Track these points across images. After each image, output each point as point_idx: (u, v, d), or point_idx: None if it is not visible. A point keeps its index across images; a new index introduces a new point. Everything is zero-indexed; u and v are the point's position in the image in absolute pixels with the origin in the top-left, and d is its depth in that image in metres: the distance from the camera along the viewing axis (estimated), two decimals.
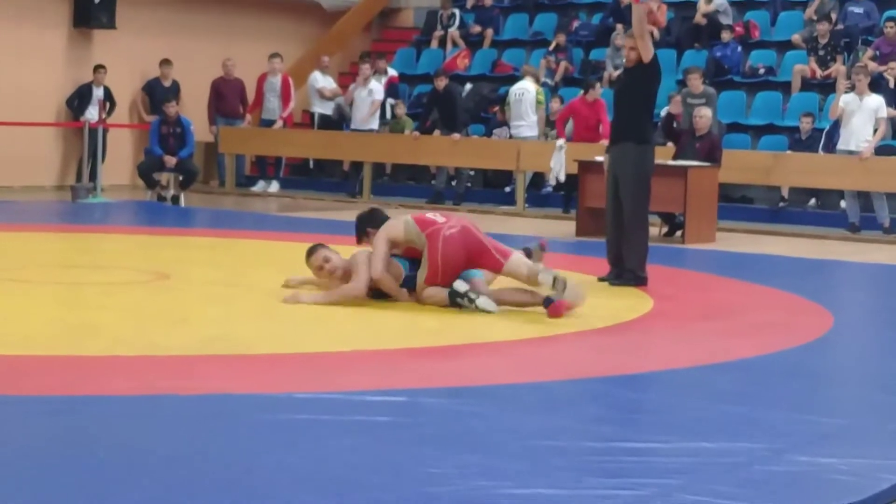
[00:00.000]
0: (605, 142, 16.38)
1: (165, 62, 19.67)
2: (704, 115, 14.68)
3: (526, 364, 6.96)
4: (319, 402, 5.72)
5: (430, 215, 8.72)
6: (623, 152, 10.02)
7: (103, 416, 5.40)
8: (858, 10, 19.00)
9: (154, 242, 12.45)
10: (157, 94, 19.42)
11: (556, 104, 18.22)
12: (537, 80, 18.51)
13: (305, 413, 5.51)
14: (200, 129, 18.92)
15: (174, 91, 19.17)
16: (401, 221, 8.65)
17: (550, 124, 18.00)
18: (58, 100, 19.13)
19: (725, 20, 19.52)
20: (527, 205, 17.47)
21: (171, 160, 16.74)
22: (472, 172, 18.88)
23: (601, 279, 10.15)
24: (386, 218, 8.83)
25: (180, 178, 17.01)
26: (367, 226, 8.85)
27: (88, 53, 19.51)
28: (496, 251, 8.55)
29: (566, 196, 16.85)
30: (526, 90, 17.96)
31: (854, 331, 8.82)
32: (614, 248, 10.14)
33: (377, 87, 19.17)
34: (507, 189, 18.41)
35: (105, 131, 18.22)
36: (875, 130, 15.46)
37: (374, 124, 19.13)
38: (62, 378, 6.13)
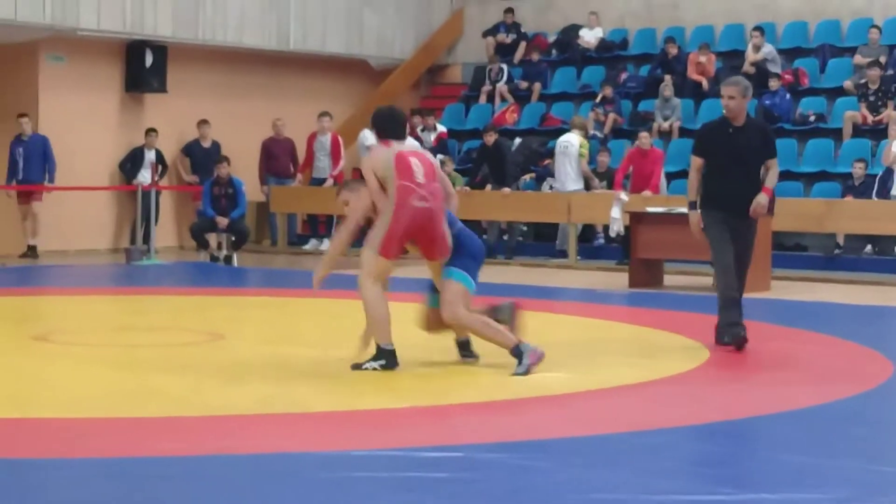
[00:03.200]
0: (649, 192, 16.43)
1: (203, 122, 19.78)
2: None
3: (584, 417, 6.90)
4: (376, 459, 5.70)
5: (413, 162, 8.28)
6: (753, 225, 9.56)
7: (161, 477, 5.40)
8: None
9: (208, 303, 12.49)
10: (197, 154, 19.59)
11: (604, 157, 18.19)
12: (585, 133, 18.49)
13: (362, 470, 5.49)
14: (251, 188, 19.03)
15: (214, 152, 19.25)
16: (385, 153, 8.30)
17: (600, 176, 17.97)
18: (111, 163, 19.31)
19: (774, 68, 19.48)
20: (579, 257, 17.41)
21: (223, 221, 16.83)
22: (524, 227, 18.86)
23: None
24: (401, 119, 8.54)
25: (232, 238, 17.10)
26: (385, 132, 8.46)
27: (140, 117, 19.70)
28: (445, 245, 8.28)
29: (623, 247, 16.69)
30: (570, 143, 17.97)
31: None
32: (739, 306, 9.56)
33: (413, 144, 18.97)
34: (559, 242, 18.37)
35: (158, 194, 18.36)
36: None
37: None
38: (120, 440, 6.14)
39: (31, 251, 17.93)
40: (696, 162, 9.54)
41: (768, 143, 9.60)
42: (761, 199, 9.36)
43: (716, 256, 9.49)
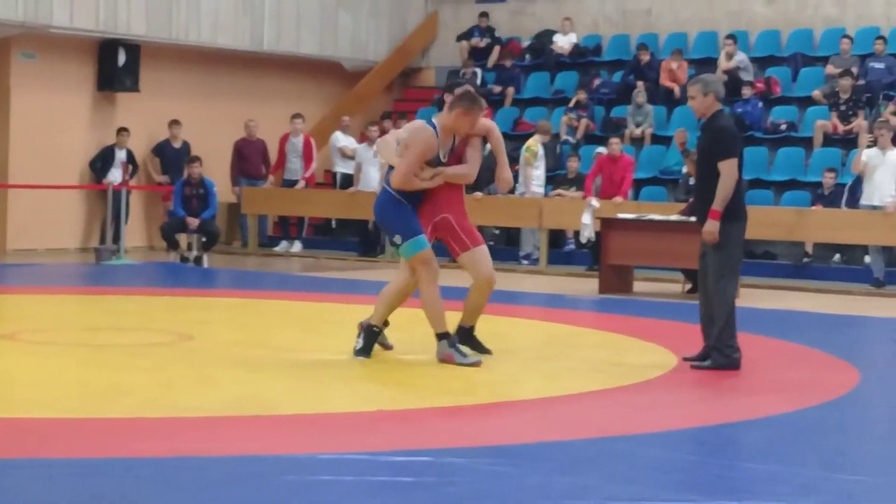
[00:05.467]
0: (619, 199, 16.52)
1: (175, 123, 19.74)
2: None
3: (551, 423, 6.93)
4: (343, 463, 5.70)
5: None
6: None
7: (129, 478, 5.39)
8: (879, 65, 19.03)
9: (177, 304, 12.47)
10: (168, 155, 19.58)
11: (574, 163, 18.16)
12: (547, 135, 18.31)
13: (329, 474, 5.50)
14: (223, 189, 18.99)
15: (185, 152, 19.22)
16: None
17: (570, 181, 17.95)
18: (81, 162, 19.24)
19: (746, 76, 19.56)
20: (548, 263, 17.44)
21: (193, 222, 16.80)
22: (496, 231, 18.88)
23: (689, 358, 8.97)
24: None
25: (203, 239, 17.06)
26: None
27: (112, 116, 19.64)
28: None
29: (593, 253, 16.71)
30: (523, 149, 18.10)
31: (881, 386, 8.76)
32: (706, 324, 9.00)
33: None
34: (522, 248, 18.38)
35: (128, 193, 18.30)
36: None
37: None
38: (88, 441, 6.13)
39: None
40: None
41: (714, 141, 8.78)
42: (708, 227, 8.71)
43: None
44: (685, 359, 9.02)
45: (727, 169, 8.69)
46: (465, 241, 8.75)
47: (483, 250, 8.85)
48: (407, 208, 8.61)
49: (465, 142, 8.85)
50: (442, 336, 8.63)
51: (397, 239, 8.60)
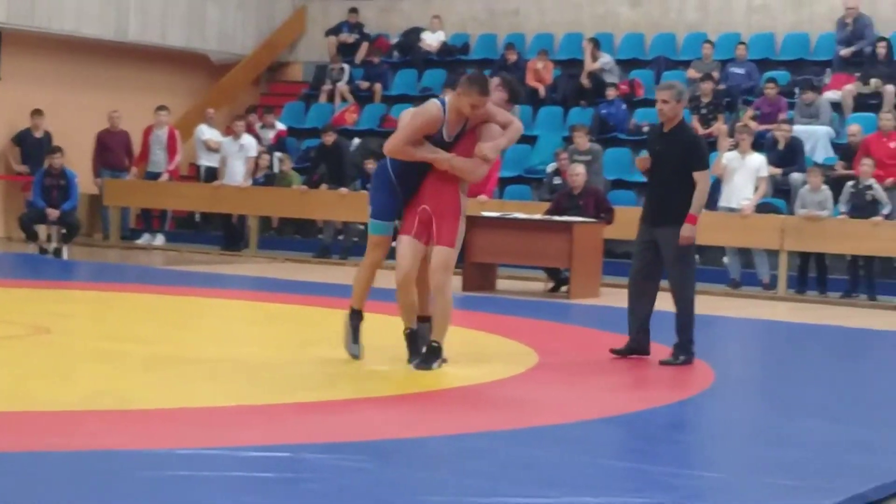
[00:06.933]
0: (484, 197, 16.62)
1: (37, 112, 19.41)
2: (579, 173, 14.91)
3: (410, 419, 6.95)
4: (201, 458, 5.66)
5: None
6: (675, 235, 9.30)
7: None
8: (740, 70, 19.42)
9: (35, 296, 12.26)
10: (28, 144, 19.25)
11: None
12: None
13: (186, 469, 5.45)
14: (84, 180, 18.72)
15: (46, 142, 18.92)
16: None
17: None
18: None
19: (611, 78, 19.81)
20: None
21: (53, 213, 16.54)
22: (361, 227, 18.86)
23: (616, 351, 9.42)
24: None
25: (63, 230, 16.80)
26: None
27: None
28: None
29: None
30: None
31: (735, 385, 8.94)
32: (638, 320, 9.58)
33: (250, 142, 19.02)
34: (395, 244, 18.38)
35: None
36: (756, 188, 15.77)
37: (248, 183, 18.82)
38: None
39: None
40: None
41: (689, 152, 9.23)
42: (687, 231, 9.25)
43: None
44: (612, 351, 9.37)
45: (705, 178, 9.34)
46: (434, 236, 8.60)
47: (438, 250, 8.63)
48: (396, 191, 8.60)
49: (474, 132, 8.65)
50: (353, 312, 8.80)
51: (369, 210, 8.61)
